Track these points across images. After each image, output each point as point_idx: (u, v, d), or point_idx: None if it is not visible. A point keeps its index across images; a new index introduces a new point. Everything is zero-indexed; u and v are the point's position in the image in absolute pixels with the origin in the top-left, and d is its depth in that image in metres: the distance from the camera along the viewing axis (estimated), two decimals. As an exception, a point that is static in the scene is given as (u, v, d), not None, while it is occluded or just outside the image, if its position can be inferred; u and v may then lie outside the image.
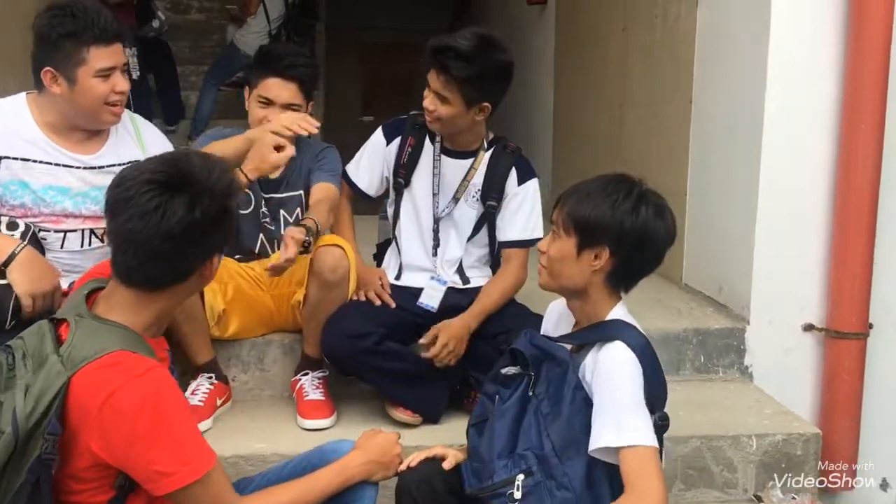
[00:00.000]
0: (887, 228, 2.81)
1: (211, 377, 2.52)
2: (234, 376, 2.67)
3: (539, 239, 2.54)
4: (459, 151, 2.63)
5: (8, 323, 2.04)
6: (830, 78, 2.78)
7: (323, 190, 2.60)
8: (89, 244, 2.32)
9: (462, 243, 2.66)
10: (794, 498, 2.45)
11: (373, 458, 1.81)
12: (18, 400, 1.46)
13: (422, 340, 2.49)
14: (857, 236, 2.77)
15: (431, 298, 2.64)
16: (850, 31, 2.73)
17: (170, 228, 1.50)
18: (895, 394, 2.91)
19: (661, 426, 1.77)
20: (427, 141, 2.65)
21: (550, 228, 1.89)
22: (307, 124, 2.39)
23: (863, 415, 2.83)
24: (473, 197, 2.63)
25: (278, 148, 2.34)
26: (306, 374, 2.55)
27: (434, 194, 2.63)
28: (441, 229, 2.65)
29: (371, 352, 2.40)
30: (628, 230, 1.77)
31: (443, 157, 2.63)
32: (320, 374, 2.57)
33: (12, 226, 2.20)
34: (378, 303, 2.58)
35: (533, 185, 2.64)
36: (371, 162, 2.72)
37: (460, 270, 2.69)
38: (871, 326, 2.81)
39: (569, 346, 1.93)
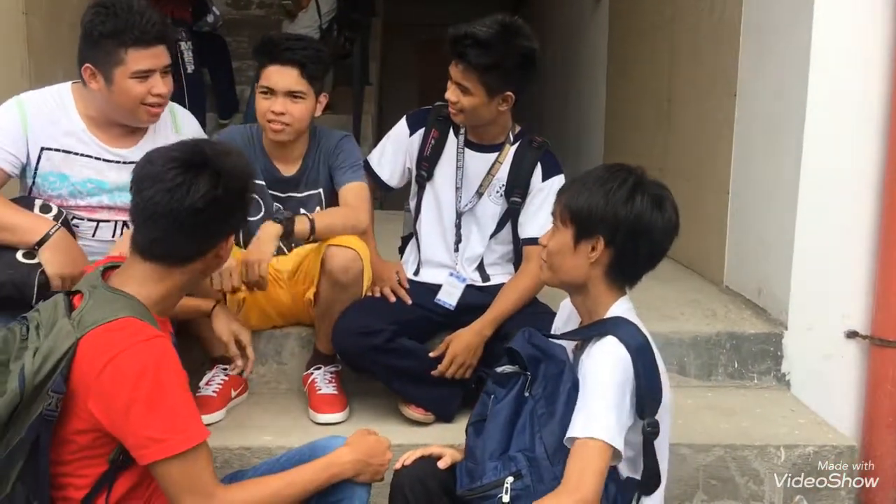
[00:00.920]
0: (939, 230, 2.63)
1: (226, 368, 2.51)
2: (252, 368, 2.66)
3: None
4: (484, 144, 2.57)
5: (34, 301, 2.07)
6: (877, 70, 2.63)
7: (353, 191, 2.54)
8: (121, 234, 2.34)
9: (484, 240, 2.60)
10: (824, 514, 2.32)
11: (361, 457, 1.77)
12: (27, 360, 1.52)
13: (432, 354, 2.45)
14: (904, 238, 2.60)
15: (450, 296, 2.58)
16: (900, 19, 2.58)
17: (195, 202, 1.58)
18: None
19: (649, 433, 1.69)
20: (451, 133, 2.59)
21: (549, 224, 1.84)
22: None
23: (908, 429, 2.66)
24: (497, 192, 2.56)
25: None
26: (318, 368, 2.53)
27: (457, 188, 2.58)
28: (463, 225, 2.59)
29: (381, 349, 2.35)
30: (622, 220, 1.71)
31: (466, 150, 2.57)
32: (333, 369, 2.54)
33: (45, 208, 2.24)
34: (393, 299, 2.53)
35: (558, 181, 2.52)
36: (394, 153, 2.67)
37: (481, 268, 2.62)
38: (919, 334, 2.64)
39: (572, 344, 1.87)
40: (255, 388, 2.66)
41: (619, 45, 5.07)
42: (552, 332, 2.01)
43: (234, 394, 2.53)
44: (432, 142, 2.60)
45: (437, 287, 2.59)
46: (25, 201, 2.25)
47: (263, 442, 2.31)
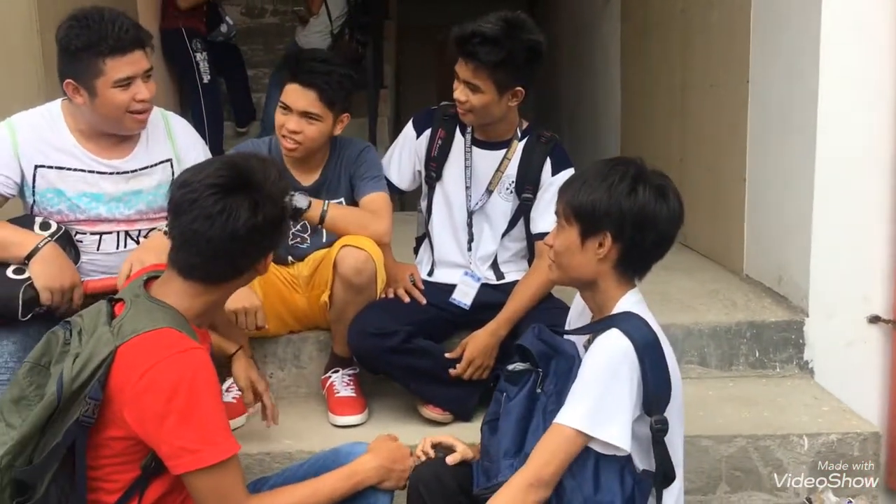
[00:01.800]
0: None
1: (246, 374, 2.53)
2: (272, 373, 2.69)
3: None
4: (492, 142, 2.56)
5: (20, 314, 2.10)
6: (889, 51, 2.60)
7: (375, 202, 2.53)
8: (125, 246, 2.37)
9: (496, 238, 2.59)
10: (850, 502, 2.29)
11: (385, 463, 1.78)
12: (66, 365, 1.55)
13: (448, 355, 2.45)
14: (924, 219, 2.57)
15: (465, 295, 2.58)
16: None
17: (236, 230, 1.58)
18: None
19: (657, 430, 1.68)
20: (457, 132, 2.59)
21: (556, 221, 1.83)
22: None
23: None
24: (507, 189, 2.55)
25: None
26: (336, 371, 2.54)
27: (467, 187, 2.57)
28: (474, 223, 2.59)
29: (397, 350, 2.36)
30: (627, 213, 1.70)
31: (474, 148, 2.57)
32: (351, 371, 2.55)
33: (45, 226, 2.26)
34: (407, 300, 2.54)
35: (566, 175, 2.52)
36: (402, 156, 2.67)
37: (494, 266, 2.62)
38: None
39: (584, 339, 1.86)
40: (275, 392, 2.66)
41: (631, 37, 5.04)
42: (566, 326, 2.00)
43: (254, 400, 2.55)
44: (439, 142, 2.60)
45: (452, 287, 2.59)
46: (26, 220, 2.27)
47: (284, 447, 2.32)
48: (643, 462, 1.73)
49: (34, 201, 2.30)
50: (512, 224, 2.59)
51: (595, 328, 1.77)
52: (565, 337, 1.90)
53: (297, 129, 2.43)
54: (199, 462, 1.53)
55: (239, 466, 1.62)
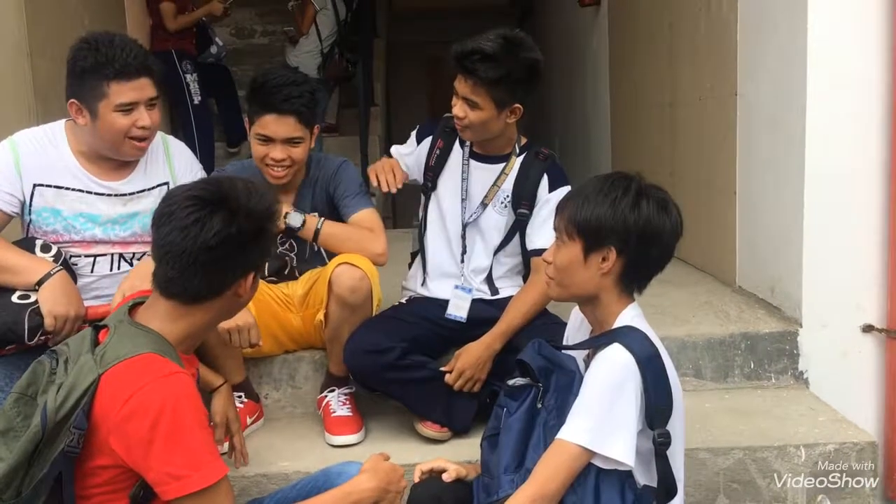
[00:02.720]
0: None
1: (241, 396, 2.52)
2: (267, 394, 2.68)
3: None
4: (490, 156, 2.57)
5: (27, 338, 2.10)
6: (877, 62, 2.62)
7: (365, 220, 2.53)
8: (118, 268, 2.36)
9: (489, 252, 2.60)
10: (848, 512, 2.29)
11: (381, 484, 1.76)
12: (50, 395, 1.53)
13: (443, 368, 2.45)
14: (914, 228, 2.58)
15: (459, 308, 2.58)
16: (896, 9, 2.56)
17: (207, 241, 1.57)
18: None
19: (659, 444, 1.69)
20: (456, 144, 2.61)
21: (554, 237, 1.83)
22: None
23: (931, 421, 2.63)
24: (502, 203, 2.56)
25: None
26: (332, 390, 2.53)
27: (462, 199, 2.58)
28: (467, 236, 2.60)
29: (393, 367, 2.36)
30: (632, 227, 1.71)
31: (472, 161, 2.58)
32: (347, 391, 2.54)
33: (46, 248, 2.26)
34: (386, 189, 2.52)
35: (563, 193, 2.52)
36: (405, 154, 2.69)
37: (489, 280, 2.62)
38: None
39: (584, 353, 1.87)
40: (271, 413, 2.66)
41: (620, 52, 5.08)
42: (564, 341, 2.01)
43: (249, 421, 2.53)
44: (437, 152, 2.62)
45: (446, 302, 2.59)
46: (27, 242, 2.27)
47: (280, 468, 2.31)
48: (643, 477, 1.73)
49: (30, 220, 2.31)
50: (507, 239, 2.59)
51: (596, 343, 1.77)
52: (564, 351, 1.90)
53: (283, 157, 2.44)
54: (186, 488, 1.51)
55: (229, 489, 1.60)
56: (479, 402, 2.47)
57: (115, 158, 2.33)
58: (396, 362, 2.36)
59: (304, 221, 2.40)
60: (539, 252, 2.51)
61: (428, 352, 2.50)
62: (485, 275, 2.61)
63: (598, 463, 1.66)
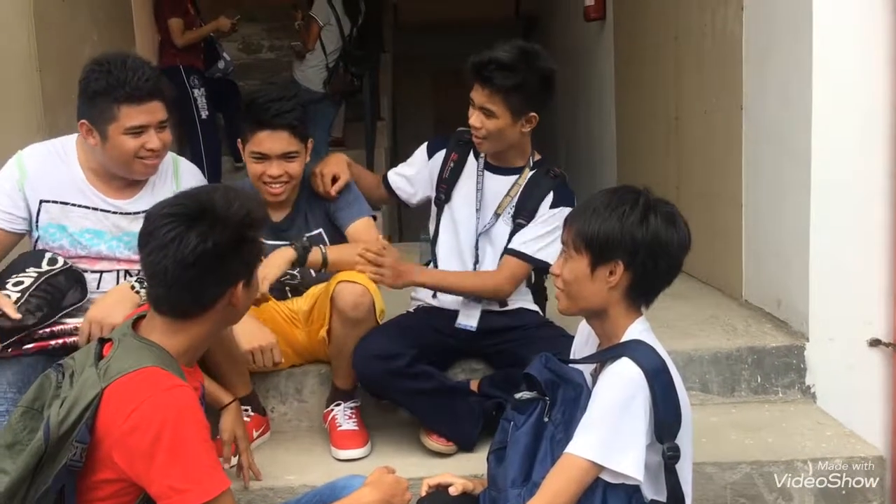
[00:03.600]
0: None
1: (247, 410, 2.52)
2: (273, 408, 2.68)
3: (541, 261, 2.49)
4: (504, 168, 2.60)
5: None
6: (881, 74, 2.62)
7: (362, 229, 2.56)
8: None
9: (497, 261, 2.60)
10: (856, 527, 2.27)
11: (385, 496, 1.76)
12: (53, 409, 1.55)
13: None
14: (921, 242, 2.58)
15: (469, 318, 2.58)
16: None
17: (185, 257, 1.57)
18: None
19: (669, 457, 1.68)
20: (470, 156, 2.64)
21: (561, 250, 1.84)
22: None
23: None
24: (508, 213, 2.58)
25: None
26: (338, 404, 2.53)
27: (477, 210, 2.60)
28: (480, 246, 2.61)
29: (402, 374, 2.35)
30: (640, 242, 1.72)
31: (486, 172, 2.61)
32: (353, 405, 2.54)
33: (52, 261, 2.27)
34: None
35: (563, 212, 2.48)
36: (410, 171, 2.73)
37: None
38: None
39: (591, 367, 1.87)
40: (277, 426, 2.66)
41: (625, 66, 5.09)
42: (571, 354, 2.01)
43: (256, 434, 2.53)
44: (451, 164, 2.65)
45: (455, 313, 2.60)
46: (36, 255, 2.28)
47: (286, 481, 2.31)
48: (651, 491, 1.73)
49: (38, 236, 2.33)
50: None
51: (604, 357, 1.77)
52: (572, 365, 1.90)
53: (280, 173, 2.45)
54: (188, 501, 1.52)
55: (231, 502, 1.60)
56: (486, 415, 2.46)
57: (125, 177, 2.35)
58: (405, 370, 2.36)
59: (307, 259, 2.40)
60: (511, 251, 2.53)
61: (436, 361, 2.50)
62: None
63: (606, 477, 1.66)
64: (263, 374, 2.63)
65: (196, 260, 1.57)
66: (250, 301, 1.76)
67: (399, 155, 7.41)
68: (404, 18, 9.39)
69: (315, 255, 2.42)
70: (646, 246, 1.71)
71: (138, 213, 2.35)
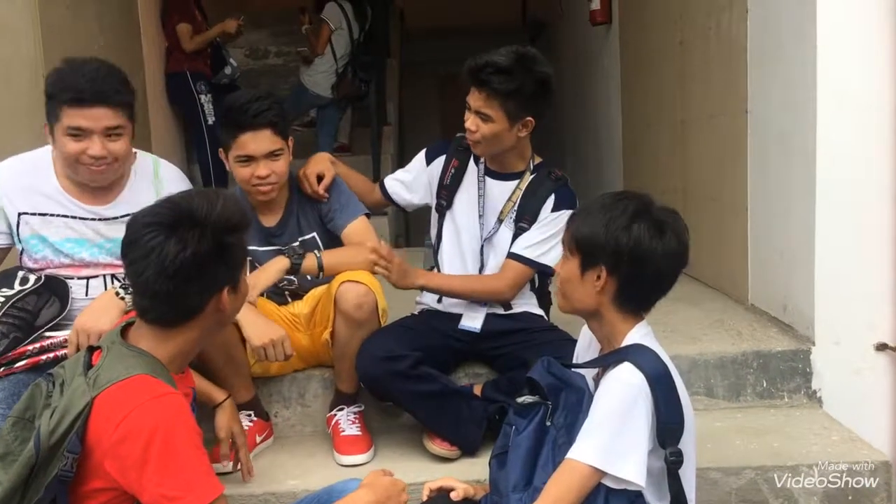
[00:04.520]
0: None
1: (250, 415, 2.52)
2: (276, 412, 2.68)
3: (544, 265, 2.50)
4: (504, 173, 2.60)
5: None
6: (886, 77, 2.60)
7: (357, 231, 2.56)
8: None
9: (500, 266, 2.60)
10: (862, 533, 2.25)
11: (380, 498, 1.75)
12: (44, 419, 1.54)
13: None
14: (927, 245, 2.56)
15: (473, 320, 2.59)
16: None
17: (165, 267, 1.55)
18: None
19: (672, 462, 1.68)
20: (471, 162, 2.63)
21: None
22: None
23: (947, 441, 2.59)
24: (511, 218, 2.58)
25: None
26: (341, 409, 2.53)
27: (480, 215, 2.60)
28: (483, 251, 2.61)
29: (405, 375, 2.35)
30: (623, 248, 1.71)
31: (487, 178, 2.61)
32: (356, 409, 2.54)
33: (24, 281, 2.26)
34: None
35: (564, 215, 2.49)
36: (408, 177, 2.73)
37: None
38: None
39: (593, 372, 1.86)
40: (280, 431, 2.66)
41: (631, 69, 5.09)
42: (574, 358, 2.00)
43: (259, 439, 2.53)
44: (452, 170, 2.65)
45: (459, 316, 2.60)
46: (8, 276, 2.28)
47: (289, 486, 2.31)
48: (653, 496, 1.72)
49: (22, 249, 2.33)
50: None
51: (606, 361, 1.77)
52: (574, 370, 1.89)
53: (267, 173, 2.44)
54: None
55: None
56: (489, 419, 2.46)
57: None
58: (409, 371, 2.35)
59: (301, 266, 2.41)
60: (514, 255, 2.54)
61: (439, 364, 2.50)
62: None
63: (608, 483, 1.66)
64: (266, 378, 2.64)
65: (176, 270, 1.55)
66: (239, 306, 1.75)
67: (405, 161, 7.38)
68: (411, 24, 9.41)
69: (310, 261, 2.42)
70: (628, 253, 1.70)
71: (116, 217, 2.33)
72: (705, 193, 3.72)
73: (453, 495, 1.86)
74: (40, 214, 2.30)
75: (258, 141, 2.41)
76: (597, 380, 1.84)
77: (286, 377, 2.67)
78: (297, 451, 2.56)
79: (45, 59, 3.54)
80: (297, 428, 2.69)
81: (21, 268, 2.32)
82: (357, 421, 2.52)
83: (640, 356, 1.70)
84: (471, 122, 2.45)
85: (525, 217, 2.54)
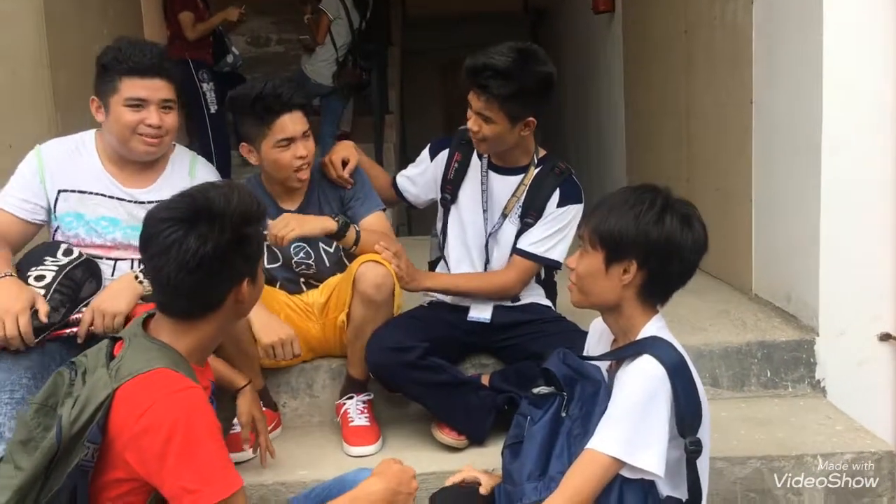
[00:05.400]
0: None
1: (258, 405, 2.54)
2: (285, 402, 2.69)
3: (550, 260, 2.51)
4: (508, 168, 2.60)
5: None
6: (892, 66, 2.61)
7: (376, 224, 2.59)
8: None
9: (504, 261, 2.61)
10: (866, 522, 2.28)
11: (391, 485, 1.77)
12: (66, 409, 1.56)
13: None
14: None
15: (481, 311, 2.61)
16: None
17: (186, 262, 1.56)
18: None
19: (691, 451, 1.69)
20: (474, 157, 2.63)
21: (578, 245, 1.85)
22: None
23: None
24: (515, 213, 2.58)
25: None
26: (351, 397, 2.55)
27: (484, 210, 2.61)
28: (489, 246, 2.62)
29: (414, 366, 2.36)
30: (654, 242, 1.72)
31: (490, 173, 2.61)
32: (365, 398, 2.56)
33: (68, 252, 2.30)
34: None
35: (570, 210, 2.55)
36: (417, 174, 2.75)
37: None
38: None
39: (607, 364, 1.88)
40: (289, 422, 2.68)
41: (634, 59, 5.08)
42: (584, 351, 2.02)
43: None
44: (455, 165, 2.65)
45: (467, 308, 2.62)
46: (52, 247, 2.31)
47: (298, 476, 2.32)
48: (668, 487, 1.73)
49: (57, 226, 2.37)
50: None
51: (624, 354, 1.78)
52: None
53: (305, 153, 2.48)
54: (200, 501, 1.52)
55: (244, 500, 1.61)
56: (497, 409, 2.47)
57: (138, 163, 2.39)
58: (417, 362, 2.37)
59: (345, 234, 2.45)
60: (520, 251, 2.55)
61: (447, 355, 2.51)
62: None
63: (624, 472, 1.68)
64: (275, 369, 2.65)
65: (198, 265, 1.56)
66: (257, 296, 1.76)
67: (407, 149, 7.42)
68: (412, 12, 9.38)
69: (351, 232, 2.46)
70: (660, 246, 1.72)
71: (151, 202, 2.35)
72: (710, 183, 3.73)
73: (482, 490, 1.88)
74: (79, 192, 2.36)
75: (295, 121, 2.45)
76: (610, 372, 1.85)
77: (294, 368, 2.69)
78: (305, 441, 2.58)
79: (50, 49, 3.55)
80: (305, 418, 2.71)
81: (59, 242, 2.34)
82: (366, 411, 2.53)
83: (658, 348, 1.72)
84: (472, 122, 2.44)
85: (531, 212, 2.55)
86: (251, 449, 2.33)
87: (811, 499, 2.33)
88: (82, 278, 2.27)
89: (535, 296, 2.66)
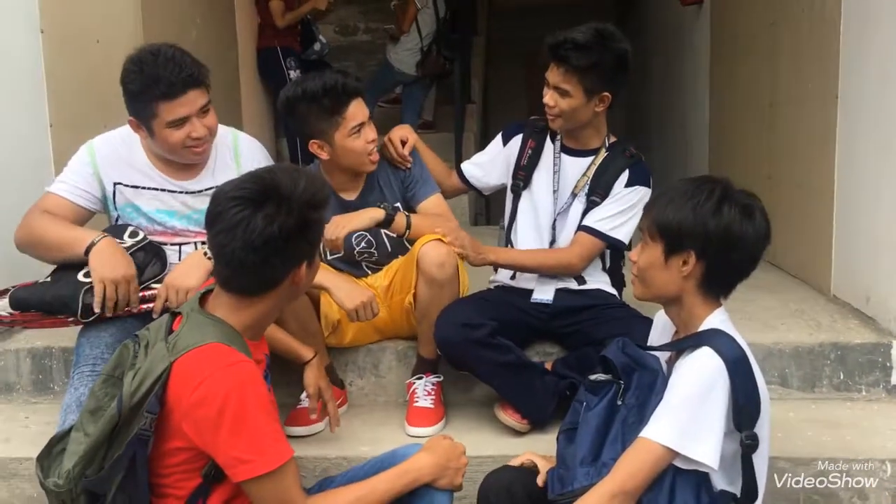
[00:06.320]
0: None
1: (326, 379, 2.62)
2: (352, 381, 2.77)
3: (615, 239, 2.54)
4: (580, 150, 2.64)
5: (80, 315, 2.24)
6: None
7: (437, 206, 2.66)
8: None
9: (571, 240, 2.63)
10: (936, 532, 2.21)
11: (440, 461, 1.82)
12: (127, 380, 1.67)
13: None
14: None
15: (544, 292, 2.64)
16: None
17: (252, 241, 1.63)
18: None
19: (748, 446, 1.68)
20: (547, 141, 2.69)
21: (640, 237, 1.86)
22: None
23: None
24: (584, 192, 2.62)
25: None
26: (420, 377, 2.59)
27: (554, 191, 2.64)
28: (557, 226, 2.65)
29: (482, 343, 2.39)
30: (712, 233, 1.71)
31: (563, 155, 2.66)
32: (434, 380, 2.59)
33: (134, 234, 2.39)
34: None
35: (638, 191, 2.56)
36: (486, 161, 2.81)
37: None
38: None
39: (666, 355, 1.88)
40: (355, 400, 2.76)
41: (720, 51, 4.97)
42: (648, 342, 2.02)
43: (334, 405, 2.63)
44: (529, 151, 2.71)
45: (531, 291, 2.65)
46: (118, 228, 2.40)
47: (360, 452, 2.39)
48: (723, 481, 1.73)
49: (117, 216, 2.46)
50: None
51: (683, 345, 1.78)
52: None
53: (375, 136, 2.56)
54: (252, 471, 1.61)
55: (294, 471, 1.68)
56: (559, 395, 2.49)
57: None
58: (486, 339, 2.39)
59: (392, 221, 2.52)
60: (584, 228, 2.58)
61: (513, 337, 2.53)
62: None
63: (678, 463, 1.68)
64: (341, 349, 2.73)
65: (263, 244, 1.63)
66: (311, 280, 1.83)
67: (488, 139, 7.41)
68: (499, 1, 9.37)
69: (401, 219, 2.53)
70: (718, 237, 1.71)
71: (202, 191, 2.45)
72: (792, 180, 3.63)
73: (539, 480, 1.90)
74: (132, 186, 2.44)
75: (362, 107, 2.53)
76: (670, 363, 1.86)
77: (361, 348, 2.76)
78: (369, 419, 2.65)
79: (146, 37, 3.68)
80: (371, 397, 2.77)
81: (127, 224, 2.44)
82: (433, 393, 2.57)
83: (718, 340, 1.71)
84: (549, 97, 2.52)
85: (598, 191, 2.57)
86: (320, 422, 2.39)
87: (877, 504, 2.27)
88: (145, 261, 2.34)
89: (600, 282, 2.66)
